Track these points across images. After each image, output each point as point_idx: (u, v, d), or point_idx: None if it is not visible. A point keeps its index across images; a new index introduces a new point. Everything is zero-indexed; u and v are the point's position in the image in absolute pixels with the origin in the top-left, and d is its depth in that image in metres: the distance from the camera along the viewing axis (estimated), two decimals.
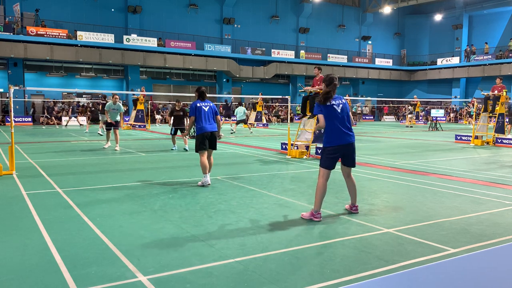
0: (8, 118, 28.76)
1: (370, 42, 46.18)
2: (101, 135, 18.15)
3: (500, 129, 15.59)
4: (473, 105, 28.61)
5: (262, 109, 28.58)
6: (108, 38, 31.08)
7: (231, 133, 21.37)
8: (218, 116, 7.68)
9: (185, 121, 13.65)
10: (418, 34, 47.46)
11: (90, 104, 30.27)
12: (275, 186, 7.44)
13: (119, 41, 31.80)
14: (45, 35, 28.77)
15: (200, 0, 36.29)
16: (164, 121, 33.50)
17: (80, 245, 4.27)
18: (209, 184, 7.33)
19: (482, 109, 16.56)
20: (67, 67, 32.29)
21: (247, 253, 4.07)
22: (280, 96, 16.90)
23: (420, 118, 35.83)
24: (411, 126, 30.06)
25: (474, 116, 17.77)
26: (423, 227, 4.94)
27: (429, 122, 30.21)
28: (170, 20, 35.35)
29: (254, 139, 17.94)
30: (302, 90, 13.70)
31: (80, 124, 28.73)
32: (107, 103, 13.39)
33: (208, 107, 7.52)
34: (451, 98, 42.57)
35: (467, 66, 41.17)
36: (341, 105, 5.31)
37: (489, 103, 16.00)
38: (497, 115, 15.64)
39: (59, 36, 29.29)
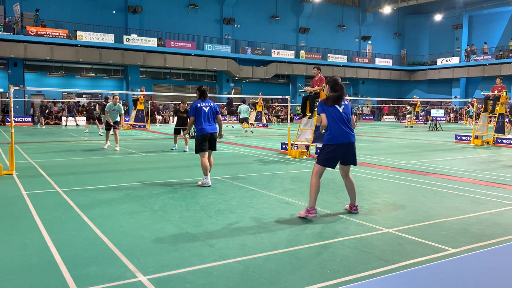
0: (8, 118, 28.77)
1: (370, 42, 46.18)
2: (101, 135, 18.16)
3: (500, 129, 15.59)
4: (472, 105, 28.62)
5: (262, 109, 28.59)
6: (108, 38, 31.09)
7: (245, 131, 21.58)
8: (219, 116, 7.64)
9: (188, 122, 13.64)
10: (418, 34, 47.47)
11: (86, 104, 30.33)
12: (275, 186, 7.44)
13: (119, 41, 31.81)
14: (45, 35, 28.77)
15: (200, 0, 36.30)
16: (164, 121, 33.50)
17: (80, 245, 4.27)
18: (209, 186, 7.32)
19: (482, 109, 16.56)
20: (67, 67, 32.29)
21: (247, 253, 4.07)
22: (280, 96, 16.89)
23: (420, 118, 35.84)
24: (411, 126, 30.06)
25: (474, 116, 17.77)
26: (423, 227, 4.94)
27: (429, 122, 30.21)
28: (170, 20, 35.35)
29: (254, 139, 17.94)
30: (302, 90, 13.71)
31: (77, 124, 28.69)
32: (107, 104, 13.39)
33: (208, 107, 7.46)
34: (451, 98, 42.58)
35: (467, 66, 41.17)
36: (343, 106, 5.40)
37: (489, 103, 16.00)
38: (497, 115, 15.64)
39: (59, 36, 29.29)
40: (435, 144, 16.18)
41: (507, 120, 17.26)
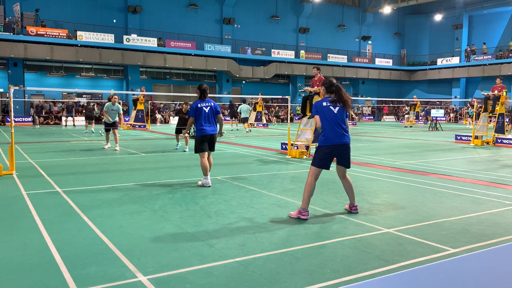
0: (8, 118, 28.76)
1: (370, 42, 46.18)
2: (102, 135, 18.16)
3: (500, 129, 15.59)
4: (472, 105, 28.62)
5: (262, 109, 28.61)
6: (108, 38, 31.09)
7: (246, 132, 21.62)
8: (220, 115, 7.62)
9: None
10: (418, 34, 47.47)
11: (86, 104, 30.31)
12: (275, 186, 7.44)
13: (119, 41, 31.81)
14: (45, 35, 28.77)
15: (200, 0, 36.30)
16: (164, 121, 33.50)
17: (80, 245, 4.27)
18: (209, 186, 7.32)
19: (482, 109, 16.56)
20: (67, 67, 32.30)
21: (247, 253, 4.07)
22: (280, 96, 16.89)
23: (420, 118, 35.85)
24: (410, 126, 30.06)
25: (474, 116, 17.77)
26: (423, 227, 4.94)
27: (429, 122, 30.21)
28: (170, 20, 35.35)
29: (254, 139, 17.94)
30: (302, 90, 13.71)
31: (74, 125, 28.64)
32: (106, 104, 13.39)
33: (209, 107, 7.41)
34: (451, 98, 42.58)
35: (467, 66, 41.18)
36: (338, 107, 5.36)
37: (489, 103, 16.00)
38: (497, 115, 15.64)
39: (59, 36, 29.29)
40: (435, 144, 16.18)
41: (507, 120, 17.26)
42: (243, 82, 37.99)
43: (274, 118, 36.57)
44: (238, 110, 23.70)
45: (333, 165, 5.70)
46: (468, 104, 33.64)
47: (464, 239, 4.52)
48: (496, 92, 15.71)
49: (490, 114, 16.05)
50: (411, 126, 30.06)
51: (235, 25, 38.28)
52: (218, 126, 7.61)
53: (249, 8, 39.09)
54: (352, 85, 45.45)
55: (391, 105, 45.89)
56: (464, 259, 3.35)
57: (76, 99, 33.12)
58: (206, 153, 7.46)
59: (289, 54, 38.98)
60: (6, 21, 28.47)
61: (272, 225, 5.02)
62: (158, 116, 32.60)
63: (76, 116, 30.24)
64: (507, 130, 16.02)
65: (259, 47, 37.96)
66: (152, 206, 5.91)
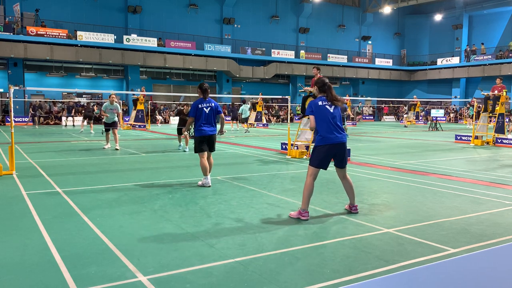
0: (8, 118, 28.75)
1: (370, 42, 46.18)
2: (102, 135, 18.15)
3: (500, 129, 15.59)
4: (472, 106, 28.62)
5: (262, 109, 28.61)
6: (108, 38, 31.09)
7: (245, 132, 21.61)
8: (222, 114, 7.61)
9: None
10: (418, 34, 47.47)
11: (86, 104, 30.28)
12: (275, 186, 7.44)
13: (119, 41, 31.81)
14: (45, 35, 28.77)
15: (200, 0, 36.30)
16: (164, 121, 33.49)
17: (80, 245, 4.27)
18: (209, 186, 7.32)
19: (482, 109, 16.56)
20: (67, 67, 32.29)
21: (247, 253, 4.07)
22: (280, 96, 16.89)
23: (420, 118, 35.85)
24: (405, 126, 30.15)
25: (474, 116, 17.76)
26: (423, 227, 4.94)
27: (429, 122, 30.22)
28: (170, 20, 35.35)
29: (254, 139, 17.94)
30: (302, 90, 13.71)
31: (73, 125, 28.60)
32: (104, 104, 13.36)
33: (209, 108, 7.37)
34: (451, 98, 42.57)
35: (467, 66, 41.18)
36: (334, 106, 5.36)
37: (489, 103, 16.00)
38: (497, 115, 15.64)
39: (59, 36, 29.29)
40: (435, 144, 16.18)
41: (507, 120, 17.26)
42: (243, 82, 37.99)
43: (274, 118, 36.59)
44: (240, 111, 23.74)
45: (333, 166, 5.70)
46: (468, 104, 33.63)
47: (464, 239, 4.52)
48: (496, 92, 15.71)
49: (490, 114, 16.05)
50: (405, 126, 30.12)
51: (235, 25, 38.28)
52: (218, 125, 7.60)
53: (249, 8, 39.09)
54: (352, 85, 45.45)
55: (391, 105, 45.88)
56: (464, 259, 3.35)
57: (76, 99, 33.12)
58: (206, 153, 7.45)
59: (289, 54, 38.98)
60: (6, 21, 28.47)
61: (272, 225, 5.01)
62: (159, 117, 32.61)
63: (76, 116, 30.23)
64: (508, 130, 16.01)
65: (259, 47, 37.96)
66: (152, 206, 5.91)
